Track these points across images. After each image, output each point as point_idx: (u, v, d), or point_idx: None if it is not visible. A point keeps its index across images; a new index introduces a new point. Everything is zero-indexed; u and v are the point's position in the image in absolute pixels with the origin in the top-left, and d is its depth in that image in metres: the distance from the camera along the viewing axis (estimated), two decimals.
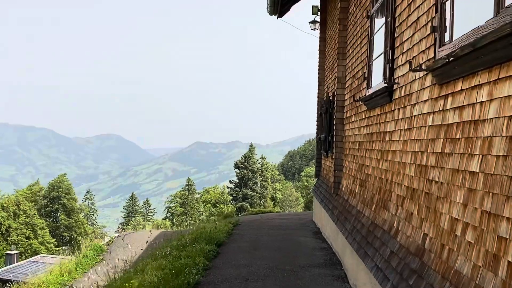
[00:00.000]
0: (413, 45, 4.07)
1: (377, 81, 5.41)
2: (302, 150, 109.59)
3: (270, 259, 7.34)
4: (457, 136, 3.04)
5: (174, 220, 56.41)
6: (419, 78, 3.89)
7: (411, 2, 4.20)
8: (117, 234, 17.17)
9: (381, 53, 5.22)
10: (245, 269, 6.76)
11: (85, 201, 69.84)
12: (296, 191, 61.89)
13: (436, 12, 3.50)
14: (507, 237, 2.28)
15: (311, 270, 6.67)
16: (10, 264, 25.75)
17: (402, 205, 4.21)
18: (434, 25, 3.50)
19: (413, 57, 4.05)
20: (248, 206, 53.44)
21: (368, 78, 5.98)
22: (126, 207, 72.71)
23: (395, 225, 4.34)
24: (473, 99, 2.84)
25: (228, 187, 63.02)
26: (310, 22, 11.71)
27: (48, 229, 51.60)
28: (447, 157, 3.20)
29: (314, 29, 11.76)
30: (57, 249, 47.80)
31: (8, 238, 45.45)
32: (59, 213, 56.07)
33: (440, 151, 3.34)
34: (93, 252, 12.81)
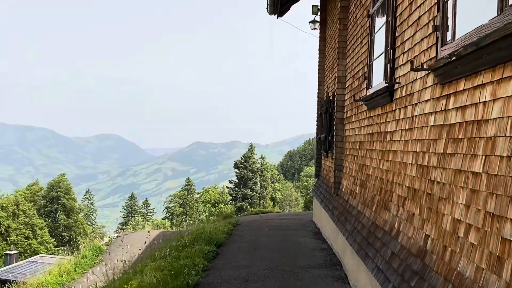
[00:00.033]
0: (415, 45, 4.03)
1: (378, 80, 5.37)
2: (301, 150, 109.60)
3: (270, 260, 7.31)
4: (460, 136, 3.01)
5: (174, 220, 56.40)
6: (421, 77, 3.85)
7: (412, 1, 4.17)
8: (116, 235, 17.13)
9: (382, 53, 5.19)
10: (245, 270, 6.72)
11: (84, 201, 69.78)
12: (295, 191, 61.87)
13: (438, 11, 3.46)
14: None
15: (311, 271, 6.64)
16: (9, 264, 25.70)
17: (403, 205, 4.18)
18: (436, 24, 3.47)
19: (415, 56, 4.01)
20: (248, 206, 53.41)
21: (368, 77, 5.95)
22: (125, 207, 72.69)
23: (396, 226, 4.30)
24: (476, 99, 2.80)
25: (227, 187, 63.00)
26: (310, 22, 11.68)
27: (48, 229, 51.54)
28: (449, 158, 3.17)
29: (314, 28, 11.73)
30: (56, 249, 47.76)
31: (8, 238, 45.40)
32: (58, 213, 56.01)
33: (442, 152, 3.30)
34: (92, 253, 12.77)
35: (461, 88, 3.01)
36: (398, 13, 4.63)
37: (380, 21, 5.46)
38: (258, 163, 61.53)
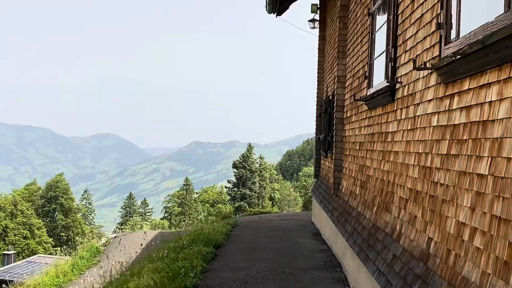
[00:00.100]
0: (417, 43, 3.96)
1: (379, 80, 5.30)
2: (300, 150, 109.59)
3: (269, 262, 7.23)
4: (464, 137, 2.93)
5: (172, 220, 56.32)
6: (423, 77, 3.77)
7: None
8: (114, 235, 17.03)
9: (383, 52, 5.11)
10: (244, 272, 6.65)
11: (82, 200, 69.65)
12: (294, 190, 61.84)
13: (441, 8, 3.38)
14: None
15: (310, 273, 6.56)
16: (7, 264, 25.60)
17: (405, 207, 4.10)
18: (439, 22, 3.39)
19: (417, 55, 3.93)
20: (247, 206, 53.36)
21: (369, 77, 5.87)
22: (124, 207, 72.59)
23: (397, 228, 4.23)
24: (481, 99, 2.72)
25: (226, 187, 62.94)
26: (309, 21, 11.59)
27: (46, 229, 51.44)
28: (453, 159, 3.09)
29: (313, 27, 11.65)
30: (54, 249, 47.67)
31: (6, 238, 45.28)
32: (56, 213, 55.88)
33: (445, 153, 3.22)
34: (89, 253, 12.68)
35: (466, 88, 2.94)
36: (399, 11, 4.56)
37: (381, 19, 5.39)
38: (257, 162, 61.48)
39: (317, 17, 11.45)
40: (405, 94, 4.27)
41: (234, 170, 60.57)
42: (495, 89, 2.55)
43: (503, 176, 2.40)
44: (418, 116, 3.89)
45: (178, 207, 61.46)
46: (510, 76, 2.38)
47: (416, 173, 3.86)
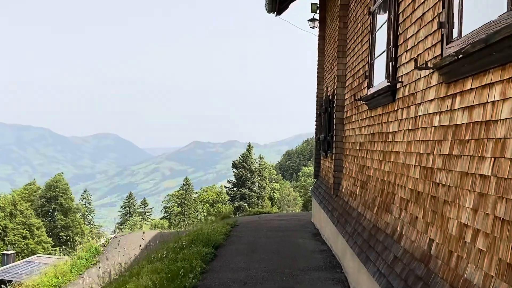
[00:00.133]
0: (418, 42, 3.92)
1: (379, 80, 5.26)
2: (300, 150, 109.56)
3: (269, 262, 7.19)
4: (467, 138, 2.89)
5: (172, 220, 56.26)
6: (425, 76, 3.74)
7: None
8: (113, 235, 16.99)
9: (384, 51, 5.08)
10: (243, 272, 6.61)
11: (82, 200, 69.60)
12: (294, 190, 61.80)
13: (443, 7, 3.34)
14: None
15: (310, 274, 6.52)
16: (6, 264, 25.54)
17: (406, 208, 4.06)
18: (441, 21, 3.35)
19: (418, 54, 3.90)
20: (246, 206, 53.33)
21: (369, 76, 5.83)
22: (123, 207, 72.56)
23: (398, 229, 4.19)
24: (484, 99, 2.69)
25: (225, 187, 62.91)
26: (309, 20, 11.55)
27: (45, 229, 51.37)
28: (455, 159, 3.05)
29: (313, 27, 11.61)
30: (53, 249, 47.58)
31: (5, 238, 45.22)
32: (56, 213, 55.82)
33: (447, 153, 3.19)
34: (88, 254, 12.64)
35: (468, 87, 2.90)
36: (400, 10, 4.52)
37: (381, 19, 5.35)
38: (256, 162, 61.44)
39: (317, 16, 11.42)
40: (406, 94, 4.23)
41: (234, 170, 60.54)
42: (498, 89, 2.51)
43: (506, 177, 2.36)
44: (419, 116, 3.85)
45: (178, 207, 61.41)
46: None
47: (417, 174, 3.82)
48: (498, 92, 2.51)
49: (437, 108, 3.44)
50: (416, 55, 3.96)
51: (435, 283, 3.07)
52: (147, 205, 72.75)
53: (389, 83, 4.63)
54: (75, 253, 13.57)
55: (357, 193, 6.27)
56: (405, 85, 4.28)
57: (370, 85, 5.78)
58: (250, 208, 45.21)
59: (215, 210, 50.88)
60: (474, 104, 2.81)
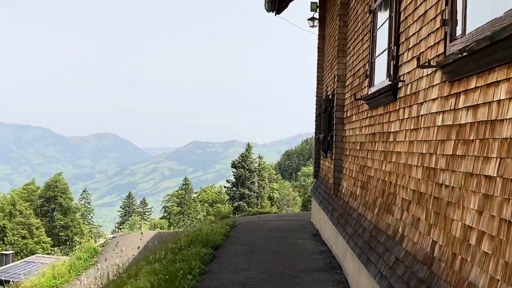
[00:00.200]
0: (420, 40, 3.85)
1: (380, 79, 5.19)
2: (299, 149, 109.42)
3: (268, 263, 7.12)
4: (471, 137, 2.82)
5: (171, 220, 56.17)
6: (427, 75, 3.67)
7: None
8: (112, 235, 16.91)
9: (385, 50, 5.01)
10: (242, 273, 6.54)
11: (81, 200, 69.44)
12: (293, 190, 61.71)
13: (446, 4, 3.27)
14: None
15: (310, 275, 6.46)
16: (5, 264, 25.46)
17: (408, 209, 3.99)
18: (444, 18, 3.28)
19: (420, 53, 3.83)
20: (246, 206, 53.26)
21: (370, 76, 5.76)
22: (123, 207, 72.41)
23: (400, 230, 4.12)
24: (489, 98, 2.62)
25: (225, 187, 62.80)
26: (308, 19, 11.49)
27: (44, 229, 51.22)
28: (459, 160, 2.98)
29: (313, 26, 11.54)
30: (53, 248, 47.47)
31: (4, 238, 45.10)
32: (55, 213, 55.69)
33: (451, 153, 3.12)
34: (87, 254, 12.56)
35: (473, 86, 2.83)
36: (402, 8, 4.45)
37: (382, 17, 5.28)
38: (256, 162, 61.33)
39: (316, 15, 11.35)
40: (408, 93, 4.17)
41: (233, 169, 60.44)
42: (504, 88, 2.44)
43: None
44: (421, 115, 3.78)
45: (177, 207, 61.30)
46: None
47: (419, 174, 3.76)
48: (504, 91, 2.44)
49: (440, 107, 3.38)
50: (418, 54, 3.89)
51: (439, 286, 3.00)
52: (147, 205, 72.62)
53: (390, 82, 4.56)
54: (73, 253, 13.49)
55: (357, 193, 6.21)
56: (407, 84, 4.21)
57: (370, 84, 5.71)
58: (250, 208, 45.15)
59: (215, 210, 50.84)
60: (479, 103, 2.74)
